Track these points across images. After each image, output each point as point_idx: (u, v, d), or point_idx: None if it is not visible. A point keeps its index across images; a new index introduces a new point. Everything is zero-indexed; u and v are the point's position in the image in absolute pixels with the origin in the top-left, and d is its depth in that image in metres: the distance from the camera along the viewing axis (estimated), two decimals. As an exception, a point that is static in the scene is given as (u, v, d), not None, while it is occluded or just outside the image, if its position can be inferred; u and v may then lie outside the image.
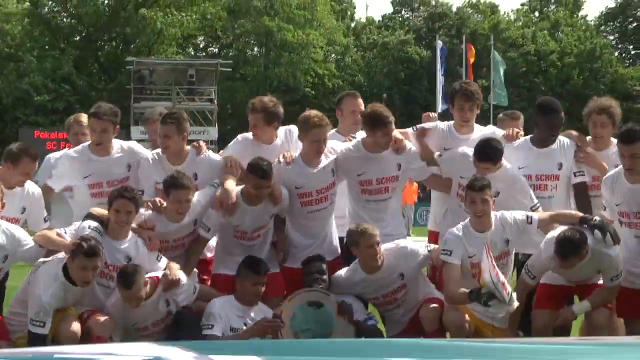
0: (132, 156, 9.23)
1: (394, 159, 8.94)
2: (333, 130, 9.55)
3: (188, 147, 9.11)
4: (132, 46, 71.52)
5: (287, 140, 9.32)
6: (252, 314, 8.31)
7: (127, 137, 47.58)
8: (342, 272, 8.64)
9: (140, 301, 8.00)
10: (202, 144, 9.19)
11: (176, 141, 8.84)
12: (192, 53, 76.72)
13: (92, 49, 74.43)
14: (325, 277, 8.37)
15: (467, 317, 8.20)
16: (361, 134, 9.29)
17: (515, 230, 8.41)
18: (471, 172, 8.62)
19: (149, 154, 9.24)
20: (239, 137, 9.62)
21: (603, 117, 8.86)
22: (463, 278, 8.28)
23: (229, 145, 9.64)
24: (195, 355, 5.86)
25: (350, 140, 9.32)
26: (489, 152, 8.55)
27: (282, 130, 9.30)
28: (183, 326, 8.26)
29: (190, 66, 60.89)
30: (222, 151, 9.79)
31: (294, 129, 9.24)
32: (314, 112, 8.95)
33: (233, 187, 8.61)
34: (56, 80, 67.35)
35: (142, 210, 8.51)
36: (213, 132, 53.67)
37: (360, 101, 9.83)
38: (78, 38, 76.01)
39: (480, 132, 9.21)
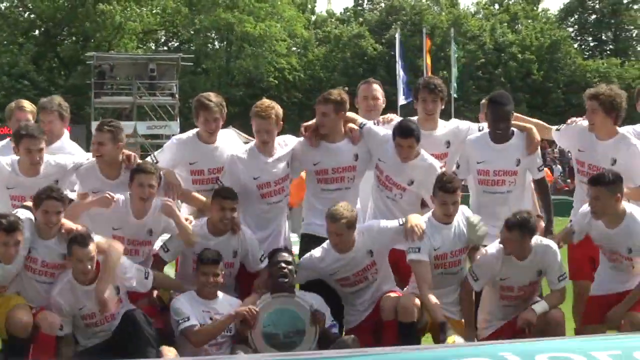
0: (59, 171, 8.78)
1: (350, 148, 8.88)
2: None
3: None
4: (92, 41, 71.13)
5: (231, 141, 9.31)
6: (217, 307, 8.20)
7: (88, 132, 47.58)
8: (315, 252, 8.57)
9: (91, 263, 7.87)
10: (132, 156, 8.79)
11: (110, 150, 8.55)
12: (153, 47, 76.44)
13: (51, 44, 74.04)
14: (291, 267, 8.30)
15: (417, 302, 8.16)
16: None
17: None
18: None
19: (81, 160, 8.94)
20: (174, 139, 9.44)
21: (593, 103, 8.77)
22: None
23: (165, 148, 9.25)
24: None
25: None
26: (411, 128, 8.61)
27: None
28: (132, 326, 7.97)
29: (150, 60, 60.29)
30: (157, 152, 9.34)
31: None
32: (261, 102, 8.91)
33: (188, 227, 8.54)
34: (13, 76, 66.94)
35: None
36: (174, 126, 53.50)
37: (374, 86, 9.69)
38: (37, 33, 75.49)
39: (444, 127, 9.21)
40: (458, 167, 9.18)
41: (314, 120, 9.00)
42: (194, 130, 8.95)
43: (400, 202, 8.84)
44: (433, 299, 8.09)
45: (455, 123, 9.41)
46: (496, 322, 8.54)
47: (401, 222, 8.48)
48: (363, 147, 8.91)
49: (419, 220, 8.40)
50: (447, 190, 8.19)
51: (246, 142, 9.19)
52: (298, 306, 8.15)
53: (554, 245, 8.40)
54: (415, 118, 9.13)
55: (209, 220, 8.52)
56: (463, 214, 8.54)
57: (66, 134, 9.79)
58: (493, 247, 8.44)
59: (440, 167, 8.75)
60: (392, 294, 8.45)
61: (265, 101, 8.89)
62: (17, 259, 7.83)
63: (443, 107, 9.17)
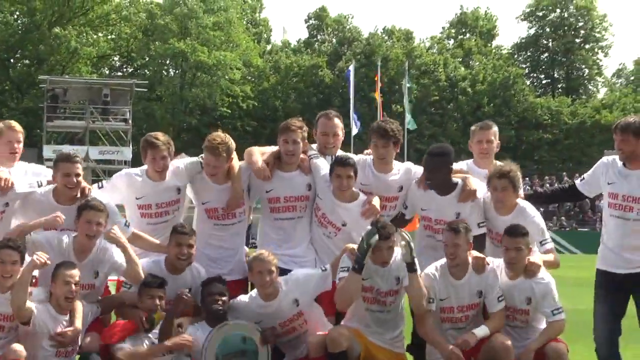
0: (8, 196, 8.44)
1: (303, 178, 8.91)
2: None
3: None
4: (45, 64, 70.58)
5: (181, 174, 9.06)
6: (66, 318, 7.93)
7: (40, 156, 47.30)
8: (243, 297, 8.55)
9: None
10: (87, 189, 8.58)
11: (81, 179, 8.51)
12: (107, 72, 76.14)
13: (3, 66, 73.38)
14: (224, 298, 8.23)
15: (346, 332, 8.09)
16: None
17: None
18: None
19: (36, 190, 8.58)
20: (124, 172, 9.23)
21: (503, 181, 8.56)
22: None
23: (114, 177, 9.16)
24: None
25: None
26: (349, 158, 8.68)
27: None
28: None
29: (104, 85, 60.11)
30: (105, 182, 9.24)
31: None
32: (213, 136, 8.73)
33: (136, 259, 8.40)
34: (-36, 96, 66.50)
35: None
36: (127, 152, 53.54)
37: (335, 121, 9.25)
38: (-10, 54, 74.83)
39: (398, 171, 9.09)
40: (406, 207, 9.16)
41: (268, 151, 9.02)
42: (144, 167, 8.91)
43: (334, 240, 8.84)
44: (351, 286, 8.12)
45: (408, 167, 9.24)
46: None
47: (324, 268, 8.51)
48: (313, 180, 8.97)
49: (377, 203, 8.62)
50: (381, 236, 8.05)
51: None
52: (248, 329, 8.14)
53: (494, 268, 8.41)
54: (371, 158, 9.12)
55: (167, 258, 8.52)
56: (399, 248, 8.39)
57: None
58: (431, 267, 8.50)
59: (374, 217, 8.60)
60: (319, 332, 8.32)
61: (218, 136, 8.75)
62: None
63: (397, 150, 9.04)
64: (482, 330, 8.17)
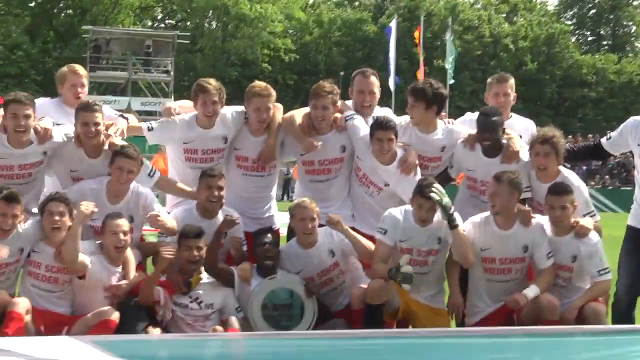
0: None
1: (337, 140, 8.83)
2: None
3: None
4: (88, 15, 70.77)
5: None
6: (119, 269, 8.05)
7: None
8: (283, 246, 8.59)
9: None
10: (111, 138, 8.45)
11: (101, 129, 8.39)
12: (149, 24, 76.18)
13: (46, 16, 73.62)
14: (275, 248, 8.31)
15: (386, 286, 8.02)
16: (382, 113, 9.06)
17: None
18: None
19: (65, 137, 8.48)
20: (176, 117, 8.91)
21: (546, 147, 8.44)
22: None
23: (164, 122, 8.97)
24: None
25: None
26: (389, 120, 8.61)
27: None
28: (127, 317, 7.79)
29: (147, 37, 60.27)
30: (155, 123, 9.09)
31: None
32: (258, 82, 8.85)
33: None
34: (7, 47, 66.86)
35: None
36: (168, 103, 53.67)
37: (372, 79, 9.06)
38: (32, 4, 75.13)
39: (442, 131, 8.98)
40: (452, 166, 9.06)
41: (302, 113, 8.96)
42: (194, 113, 8.80)
43: (377, 199, 8.82)
44: (383, 266, 8.10)
45: (451, 128, 9.06)
46: (483, 306, 8.39)
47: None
48: (349, 139, 8.88)
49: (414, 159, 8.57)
50: (423, 195, 8.06)
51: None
52: (293, 284, 8.19)
53: (542, 224, 8.34)
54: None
55: (198, 203, 8.51)
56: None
57: None
58: (477, 216, 8.45)
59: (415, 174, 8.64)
60: (361, 284, 8.33)
61: (262, 82, 8.86)
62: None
63: (436, 112, 8.89)
64: (532, 291, 8.04)
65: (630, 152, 8.78)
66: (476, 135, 8.73)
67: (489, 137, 8.57)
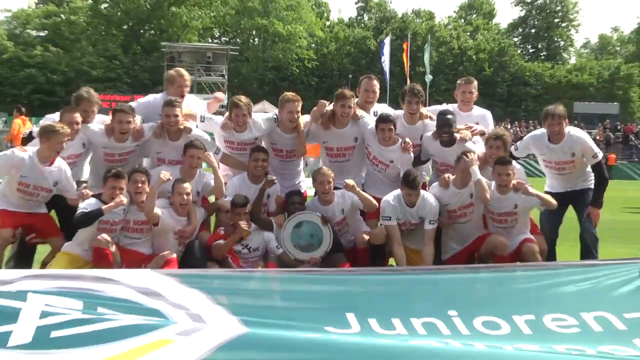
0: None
1: (352, 133, 8.71)
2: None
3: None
4: (165, 34, 71.04)
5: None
6: (185, 219, 7.98)
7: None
8: (308, 202, 8.47)
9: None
10: (188, 128, 8.43)
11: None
12: (210, 40, 76.19)
13: (135, 36, 73.98)
14: (302, 205, 8.25)
15: (384, 232, 8.13)
16: (380, 107, 9.04)
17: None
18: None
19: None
20: (220, 120, 8.70)
21: (498, 142, 8.34)
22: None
23: (211, 121, 8.69)
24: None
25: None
26: (389, 115, 8.50)
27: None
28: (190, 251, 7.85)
29: (208, 50, 60.96)
30: (206, 117, 8.76)
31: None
32: (289, 92, 8.79)
33: (221, 179, 8.36)
34: (107, 57, 67.29)
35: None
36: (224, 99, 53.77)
37: (374, 82, 9.09)
38: (125, 27, 75.43)
39: (422, 123, 8.86)
40: (421, 152, 8.89)
41: (325, 108, 8.77)
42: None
43: (385, 173, 8.70)
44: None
45: (428, 122, 8.87)
46: (454, 246, 8.40)
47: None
48: (360, 132, 8.74)
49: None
50: (409, 186, 8.09)
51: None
52: (312, 217, 8.07)
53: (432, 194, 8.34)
54: (401, 113, 8.91)
55: (248, 172, 8.43)
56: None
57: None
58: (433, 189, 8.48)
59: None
60: (363, 235, 8.27)
61: (291, 92, 8.82)
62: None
63: (422, 106, 8.84)
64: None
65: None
66: (436, 130, 8.59)
67: (447, 131, 8.46)
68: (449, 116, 8.52)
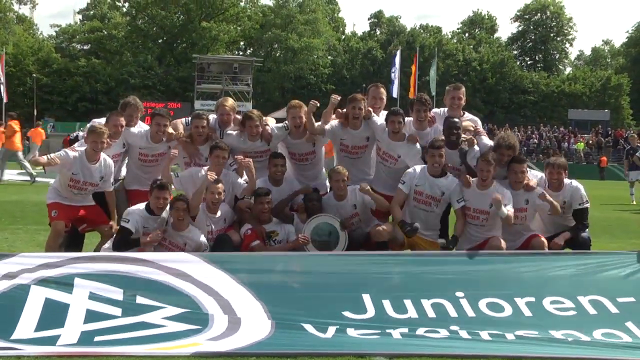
0: None
1: (364, 133, 8.61)
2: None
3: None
4: (196, 47, 71.29)
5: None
6: (216, 216, 7.96)
7: (192, 108, 47.85)
8: (324, 197, 8.43)
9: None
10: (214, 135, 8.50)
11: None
12: (236, 53, 76.42)
13: (169, 48, 74.44)
14: (319, 202, 8.22)
15: (386, 228, 7.96)
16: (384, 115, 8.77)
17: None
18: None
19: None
20: (234, 134, 8.55)
21: (509, 152, 8.03)
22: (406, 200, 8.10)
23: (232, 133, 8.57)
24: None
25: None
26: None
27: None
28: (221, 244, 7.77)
29: (234, 61, 60.89)
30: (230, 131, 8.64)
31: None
32: (293, 100, 8.73)
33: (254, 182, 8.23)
34: (144, 68, 67.71)
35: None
36: (249, 106, 53.57)
37: (381, 90, 8.99)
38: (160, 40, 75.89)
39: (430, 129, 8.70)
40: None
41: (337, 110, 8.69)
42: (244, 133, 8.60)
43: (393, 168, 8.54)
44: (397, 210, 8.00)
45: (435, 128, 8.71)
46: (468, 245, 8.04)
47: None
48: (372, 131, 8.64)
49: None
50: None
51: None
52: (332, 220, 8.03)
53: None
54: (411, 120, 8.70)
55: (269, 175, 8.35)
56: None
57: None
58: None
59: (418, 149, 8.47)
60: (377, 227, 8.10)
61: (296, 100, 8.78)
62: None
63: (430, 114, 8.65)
64: (506, 209, 7.71)
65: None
66: (444, 133, 8.35)
67: (455, 133, 8.27)
68: (456, 120, 8.38)
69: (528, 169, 8.23)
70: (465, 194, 7.99)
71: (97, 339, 5.25)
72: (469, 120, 8.86)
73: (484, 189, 7.91)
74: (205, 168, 8.03)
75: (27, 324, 5.38)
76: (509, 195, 7.84)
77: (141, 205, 7.63)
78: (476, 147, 8.33)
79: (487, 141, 8.55)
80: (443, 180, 8.07)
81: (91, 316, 5.53)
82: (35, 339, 5.19)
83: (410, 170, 8.17)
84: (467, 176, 8.06)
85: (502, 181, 8.08)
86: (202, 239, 7.61)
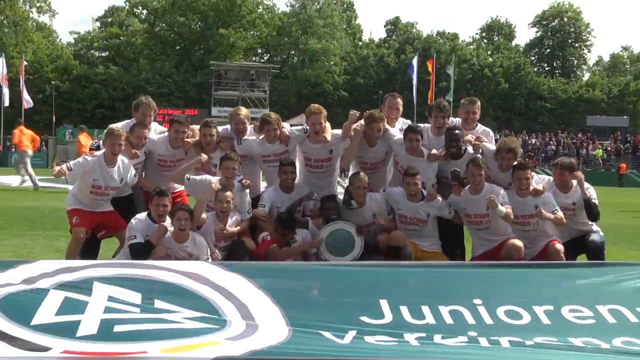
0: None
1: (381, 149, 8.55)
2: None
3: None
4: (213, 53, 71.65)
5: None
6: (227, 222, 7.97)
7: (209, 114, 48.04)
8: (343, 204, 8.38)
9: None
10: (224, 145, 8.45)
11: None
12: (253, 59, 76.71)
13: (187, 55, 74.77)
14: (337, 210, 8.17)
15: (402, 235, 7.97)
16: (405, 123, 8.81)
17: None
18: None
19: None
20: (254, 141, 8.54)
21: (510, 154, 8.10)
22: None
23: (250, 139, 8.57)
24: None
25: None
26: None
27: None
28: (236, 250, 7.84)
29: (251, 68, 61.29)
30: (246, 138, 8.63)
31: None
32: (314, 104, 8.61)
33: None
34: (162, 75, 68.08)
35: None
36: (266, 112, 54.04)
37: (398, 100, 8.92)
38: (178, 47, 76.31)
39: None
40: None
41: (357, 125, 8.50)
42: (261, 136, 8.57)
43: None
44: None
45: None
46: (479, 250, 8.17)
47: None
48: (388, 145, 8.56)
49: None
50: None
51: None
52: (348, 226, 8.01)
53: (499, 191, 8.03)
54: (428, 126, 8.68)
55: (280, 183, 8.34)
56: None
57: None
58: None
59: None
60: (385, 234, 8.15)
61: (316, 104, 8.66)
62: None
63: (448, 121, 8.57)
64: (504, 208, 7.80)
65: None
66: (445, 145, 8.32)
67: (455, 145, 8.21)
68: (457, 132, 8.28)
69: (533, 174, 8.24)
70: (461, 202, 8.07)
71: (116, 328, 5.25)
72: (482, 132, 8.75)
73: (477, 193, 7.98)
74: (216, 178, 7.99)
75: (47, 311, 5.44)
76: (502, 193, 7.91)
77: (142, 215, 7.59)
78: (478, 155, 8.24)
79: (491, 147, 8.49)
80: (422, 203, 8.09)
81: (110, 310, 5.57)
82: (55, 324, 5.23)
83: (394, 190, 8.22)
84: (457, 185, 8.09)
85: (510, 190, 8.07)
86: (206, 250, 7.53)
